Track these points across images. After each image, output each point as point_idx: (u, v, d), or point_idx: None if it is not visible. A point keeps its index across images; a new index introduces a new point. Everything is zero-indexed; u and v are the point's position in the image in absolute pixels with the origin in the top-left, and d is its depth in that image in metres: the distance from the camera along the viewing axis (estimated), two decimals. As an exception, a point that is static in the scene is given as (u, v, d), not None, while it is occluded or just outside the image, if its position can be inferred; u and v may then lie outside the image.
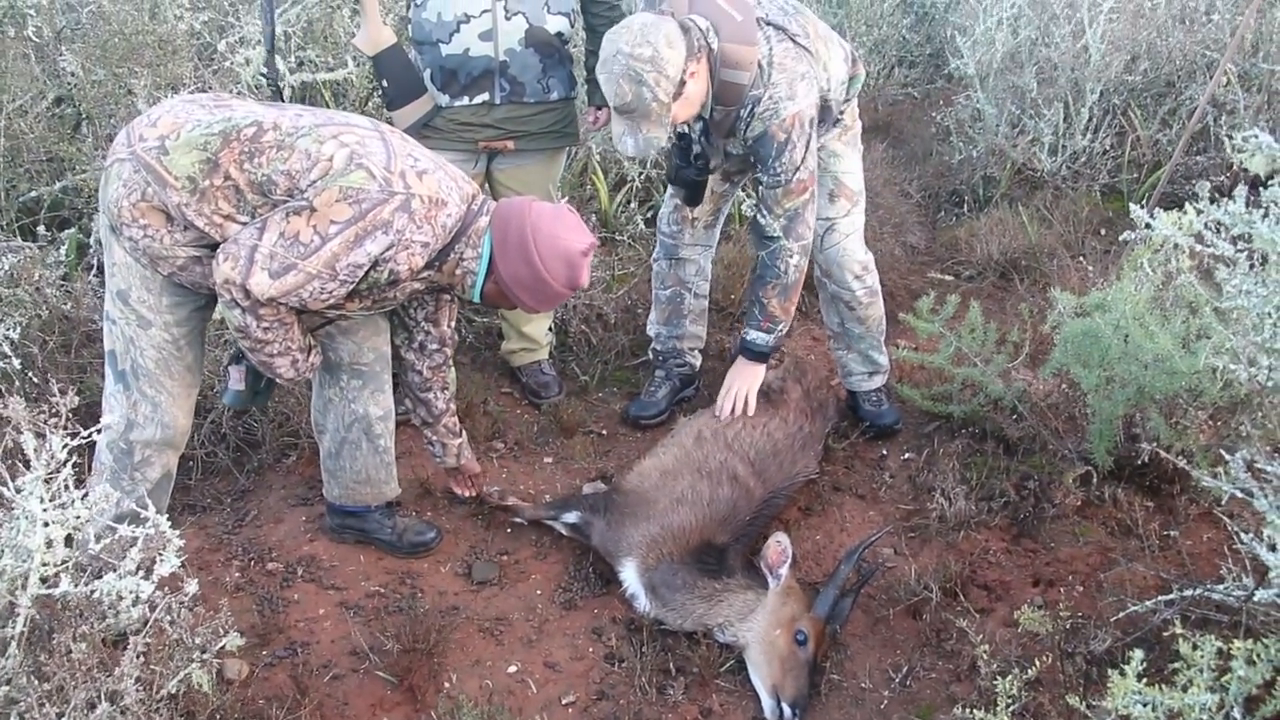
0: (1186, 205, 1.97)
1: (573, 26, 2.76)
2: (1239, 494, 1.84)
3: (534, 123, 2.76)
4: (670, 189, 2.98)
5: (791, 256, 2.60)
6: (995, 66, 4.49)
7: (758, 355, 2.71)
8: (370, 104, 3.86)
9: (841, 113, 2.76)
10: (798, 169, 2.51)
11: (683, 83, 2.34)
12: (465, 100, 2.68)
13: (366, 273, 1.94)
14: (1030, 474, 2.70)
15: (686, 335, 3.11)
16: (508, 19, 2.61)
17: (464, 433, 2.58)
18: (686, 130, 2.65)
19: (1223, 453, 1.94)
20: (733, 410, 2.70)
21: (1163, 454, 2.15)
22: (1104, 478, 2.65)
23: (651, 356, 3.18)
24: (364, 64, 3.86)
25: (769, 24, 2.50)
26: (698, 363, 3.18)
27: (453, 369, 2.46)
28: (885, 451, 2.96)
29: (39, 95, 3.55)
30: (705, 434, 2.62)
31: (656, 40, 2.29)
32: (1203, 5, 4.78)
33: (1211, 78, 4.15)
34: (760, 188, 2.59)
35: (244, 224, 1.94)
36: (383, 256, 1.93)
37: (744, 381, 2.73)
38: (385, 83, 2.62)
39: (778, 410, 2.74)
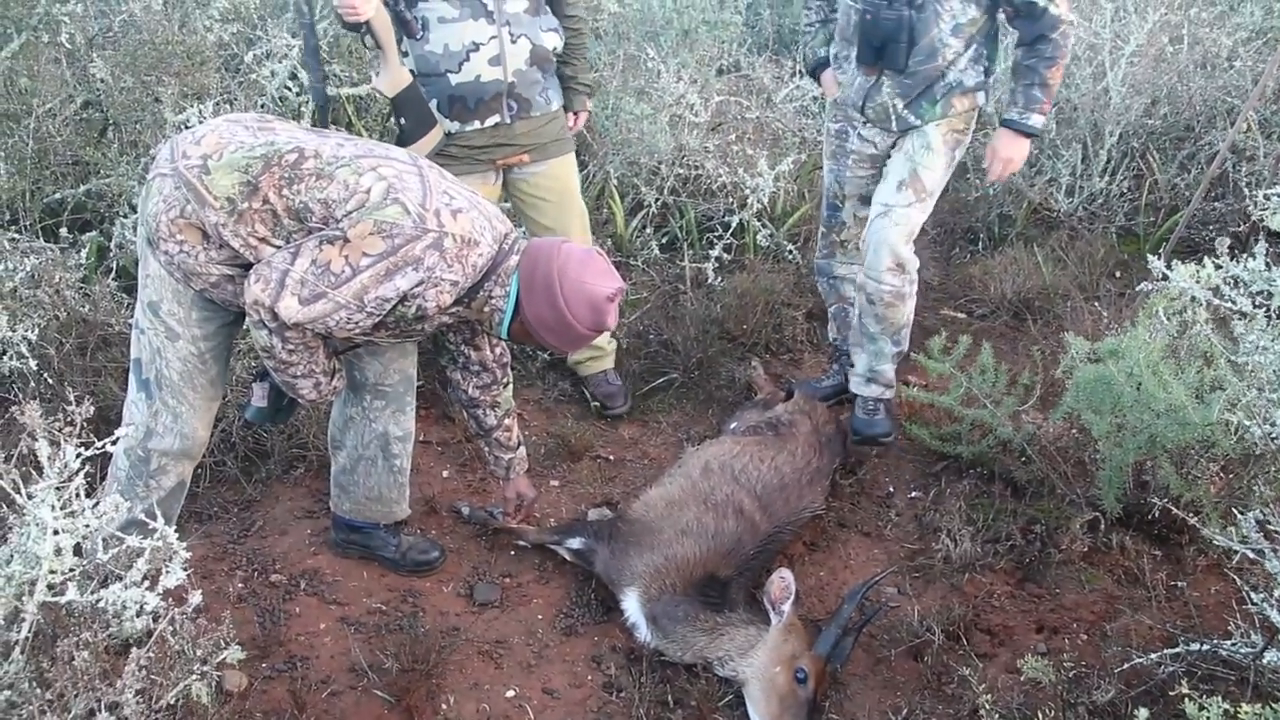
0: (1205, 259, 1.98)
1: (560, 39, 2.84)
2: (1250, 554, 1.83)
3: (543, 133, 2.86)
4: (822, 229, 3.13)
5: (1063, 17, 2.60)
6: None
7: (1032, 134, 2.75)
8: (391, 120, 3.89)
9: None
10: None
11: None
12: (477, 124, 2.74)
13: (394, 307, 1.96)
14: (1037, 518, 2.69)
15: (851, 349, 3.18)
16: (513, 42, 2.69)
17: (522, 449, 2.57)
18: None
19: (1234, 510, 1.93)
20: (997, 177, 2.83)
21: (1173, 509, 2.14)
22: (1112, 525, 2.64)
23: (831, 350, 3.38)
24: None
25: None
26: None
27: (509, 389, 2.46)
28: (892, 489, 2.96)
29: (68, 99, 3.59)
30: (713, 465, 2.62)
31: None
32: (1224, 51, 4.79)
33: (1232, 124, 4.16)
34: None
35: (278, 247, 1.96)
36: (411, 292, 1.94)
37: (1015, 152, 2.78)
38: (403, 120, 2.65)
39: (785, 444, 2.74)
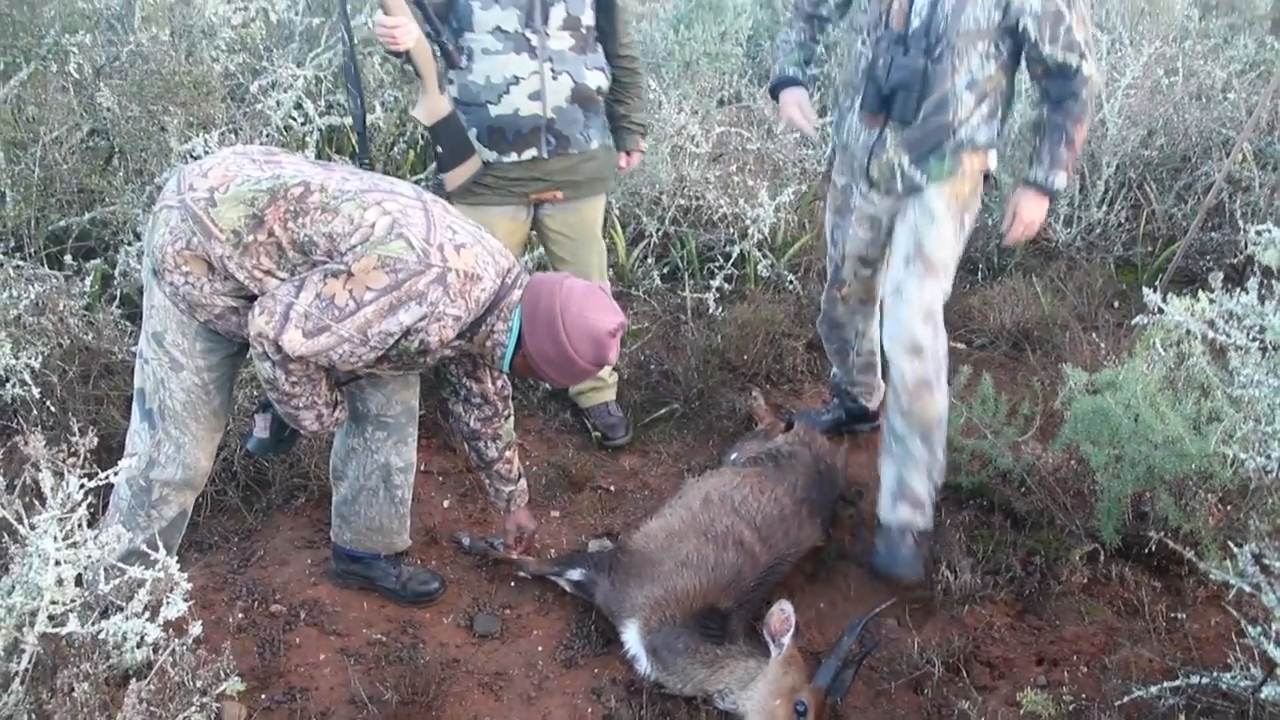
0: (1200, 293, 2.00)
1: (606, 79, 2.86)
2: (1247, 589, 1.83)
3: (578, 171, 2.86)
4: (829, 267, 2.99)
5: (1093, 77, 2.47)
6: (1012, 137, 4.54)
7: (1054, 196, 2.60)
8: (395, 149, 3.94)
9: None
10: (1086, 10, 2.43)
11: None
12: (514, 156, 2.76)
13: (397, 341, 1.97)
14: (1037, 549, 2.69)
15: (856, 382, 3.18)
16: (555, 78, 2.70)
17: (522, 481, 2.58)
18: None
19: (1231, 544, 1.93)
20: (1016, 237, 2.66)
21: (1170, 544, 2.14)
22: (1111, 556, 2.64)
23: (832, 385, 3.31)
24: (392, 110, 3.94)
25: None
26: (872, 406, 3.22)
27: (510, 421, 2.47)
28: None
29: (74, 127, 3.62)
30: (713, 497, 2.63)
31: None
32: (1219, 84, 4.84)
33: (1227, 155, 4.19)
34: (1059, 33, 2.40)
35: (283, 280, 1.98)
36: (415, 326, 1.96)
37: (1036, 214, 2.61)
38: (440, 149, 2.68)
39: (785, 476, 2.74)
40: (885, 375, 2.97)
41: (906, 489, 2.61)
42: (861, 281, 2.94)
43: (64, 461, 1.74)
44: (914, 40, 2.44)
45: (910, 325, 2.56)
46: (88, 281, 3.20)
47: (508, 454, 2.49)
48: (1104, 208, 4.39)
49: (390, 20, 2.46)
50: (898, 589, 2.58)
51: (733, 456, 3.00)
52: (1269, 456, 1.98)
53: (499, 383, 2.37)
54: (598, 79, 2.80)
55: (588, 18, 2.75)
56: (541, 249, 3.13)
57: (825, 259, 3.05)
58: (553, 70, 2.70)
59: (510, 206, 2.83)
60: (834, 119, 2.82)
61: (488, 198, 2.79)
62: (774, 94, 2.93)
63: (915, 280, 2.58)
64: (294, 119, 3.60)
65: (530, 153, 2.76)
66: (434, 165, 2.76)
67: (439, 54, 2.63)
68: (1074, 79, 2.44)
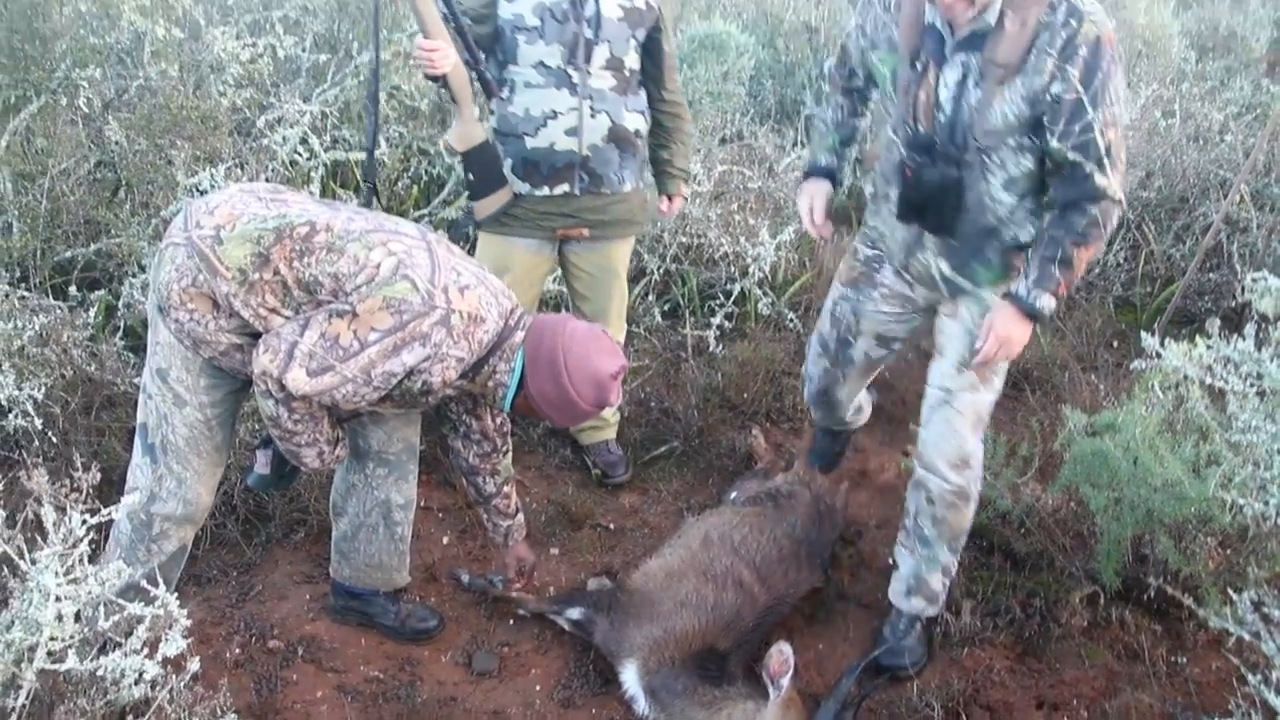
0: (1197, 338, 2.01)
1: (646, 122, 2.89)
2: (1247, 636, 1.83)
3: (609, 212, 2.88)
4: (816, 347, 2.72)
5: (1118, 210, 2.13)
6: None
7: (1037, 318, 2.23)
8: (399, 184, 3.97)
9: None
10: (1123, 100, 2.07)
11: None
12: (546, 190, 2.79)
13: (400, 381, 1.99)
14: (1037, 591, 2.69)
15: (849, 423, 3.02)
16: (593, 117, 2.73)
17: (520, 515, 2.58)
18: (933, 86, 2.13)
19: (1230, 590, 1.94)
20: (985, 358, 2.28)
21: (1169, 590, 2.14)
22: (1111, 598, 2.64)
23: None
24: (399, 147, 3.98)
25: None
26: (859, 421, 3.09)
27: (509, 456, 2.48)
28: (892, 560, 2.96)
29: (82, 160, 3.65)
30: (712, 537, 2.63)
31: None
32: (1216, 126, 4.90)
33: (1225, 197, 4.23)
34: (1074, 128, 2.02)
35: (287, 318, 1.99)
36: (418, 367, 1.97)
37: (1014, 333, 2.23)
38: (472, 176, 2.71)
39: (785, 516, 2.75)
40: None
41: (924, 585, 2.55)
42: (872, 362, 2.67)
43: (66, 497, 1.75)
44: (941, 144, 2.17)
45: (961, 436, 2.41)
46: (92, 313, 3.21)
47: (506, 489, 2.50)
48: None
49: (429, 44, 2.49)
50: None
51: (732, 495, 3.01)
52: (1267, 503, 1.98)
53: (498, 419, 2.38)
54: (636, 121, 2.83)
55: (631, 60, 2.78)
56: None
57: (818, 334, 2.72)
58: (591, 108, 2.72)
59: (535, 240, 2.85)
60: (870, 193, 2.55)
61: (515, 229, 2.82)
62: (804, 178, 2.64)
63: (969, 389, 2.39)
64: (299, 154, 3.64)
65: (562, 188, 2.79)
66: (439, 199, 2.79)
67: (476, 83, 2.66)
68: (1083, 186, 2.07)
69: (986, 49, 2.03)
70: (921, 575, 2.54)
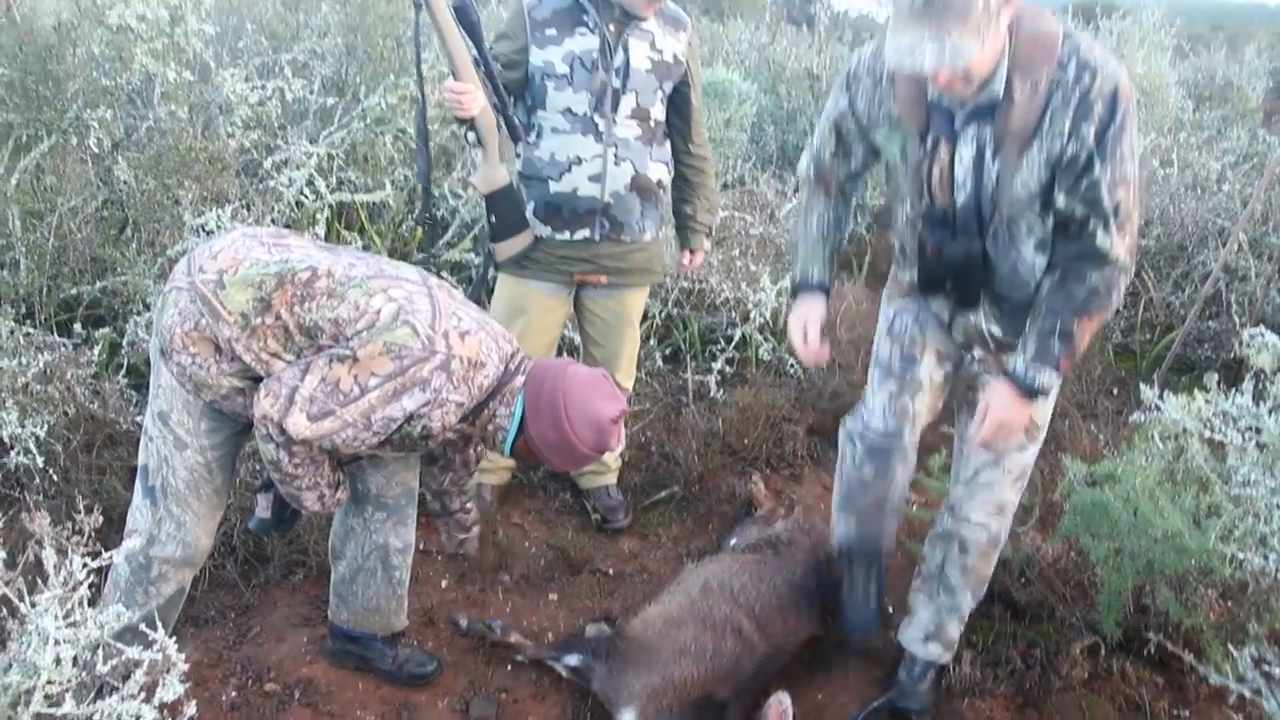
0: (1196, 391, 2.02)
1: (669, 174, 2.92)
2: (1247, 694, 1.83)
3: (628, 259, 2.91)
4: (878, 376, 2.37)
5: (1125, 278, 2.00)
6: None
7: (1037, 394, 2.08)
8: (404, 226, 4.00)
9: None
10: (1136, 156, 1.90)
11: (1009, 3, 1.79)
12: (567, 235, 2.82)
13: (400, 426, 2.00)
14: (1037, 641, 2.68)
15: (888, 536, 2.52)
16: (616, 164, 2.77)
17: (476, 529, 2.61)
18: (947, 163, 2.01)
19: (1230, 646, 1.93)
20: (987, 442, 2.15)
21: (1169, 646, 2.13)
22: (1112, 650, 2.63)
23: (839, 555, 2.56)
24: (403, 188, 4.02)
25: None
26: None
27: (474, 478, 2.52)
28: (891, 609, 2.95)
29: (90, 198, 3.68)
30: (712, 584, 2.62)
31: None
32: (1213, 175, 4.95)
33: (1223, 245, 4.27)
34: (1082, 184, 1.90)
35: (289, 363, 2.01)
36: (418, 412, 1.98)
37: (1013, 414, 2.09)
38: (493, 218, 2.75)
39: (785, 563, 2.74)
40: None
41: (943, 632, 2.51)
42: (936, 389, 2.34)
43: (68, 539, 1.75)
44: (962, 220, 2.05)
45: (1003, 489, 2.33)
46: (96, 350, 3.23)
47: (469, 505, 2.55)
48: (1102, 295, 4.44)
49: (459, 87, 2.53)
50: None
51: (732, 542, 3.01)
52: (1267, 558, 1.98)
53: (476, 449, 2.41)
54: (660, 172, 2.86)
55: (658, 111, 2.82)
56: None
57: (875, 364, 2.40)
58: (616, 156, 2.76)
59: (552, 284, 2.88)
60: (896, 248, 2.36)
61: (533, 271, 2.85)
62: (794, 294, 2.40)
63: (1018, 449, 2.28)
64: (305, 196, 3.67)
65: (583, 233, 2.82)
66: (437, 241, 2.81)
67: (503, 127, 2.69)
68: (1086, 244, 1.94)
69: (998, 119, 1.91)
70: (942, 623, 2.50)
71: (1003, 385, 2.08)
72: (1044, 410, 2.26)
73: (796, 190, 5.00)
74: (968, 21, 1.73)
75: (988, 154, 1.96)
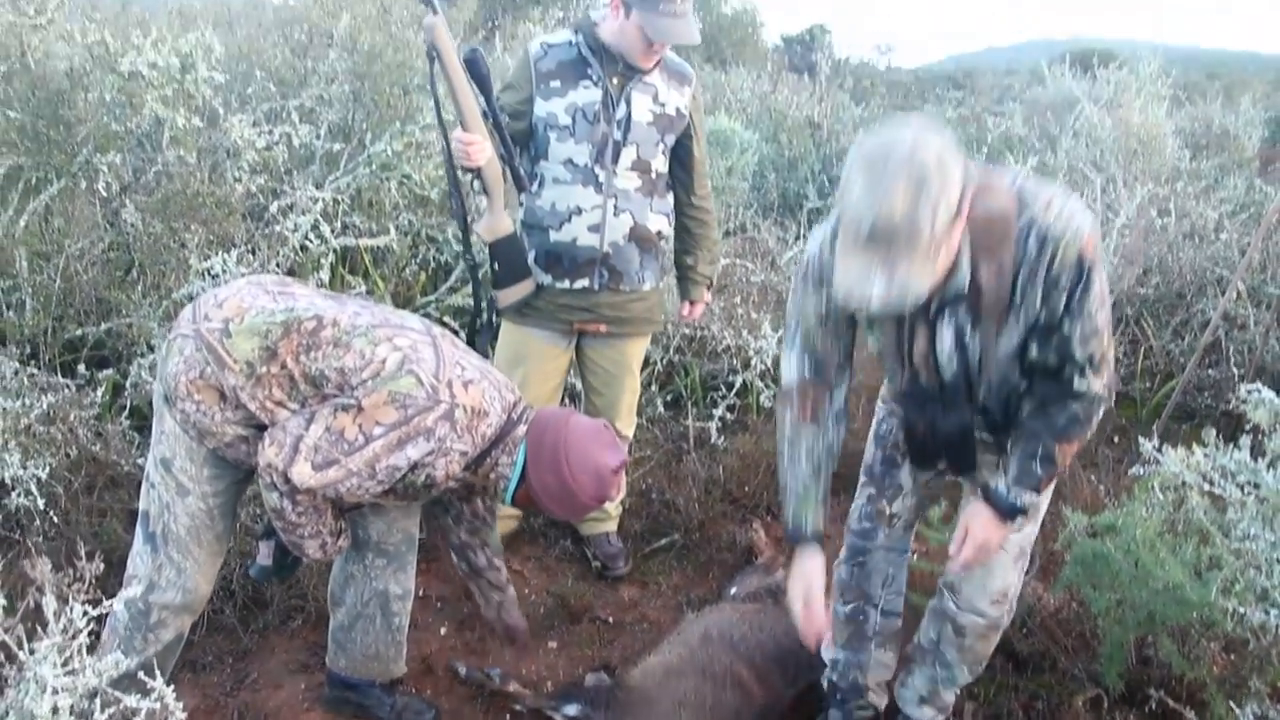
0: (1194, 446, 2.03)
1: (670, 225, 2.95)
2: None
3: (627, 309, 2.94)
4: (862, 480, 2.36)
5: (1102, 405, 1.96)
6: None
7: (1019, 515, 2.06)
8: (406, 270, 4.03)
9: None
10: (1106, 301, 1.89)
11: (958, 215, 1.70)
12: (567, 284, 2.85)
13: (404, 475, 2.01)
14: (1039, 693, 2.66)
15: (871, 665, 2.47)
16: (616, 215, 2.81)
17: (511, 589, 2.57)
18: (928, 346, 1.99)
19: (1232, 704, 1.92)
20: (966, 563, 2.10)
21: (1170, 702, 2.12)
22: (1115, 702, 2.61)
23: (825, 689, 2.51)
24: (406, 233, 4.06)
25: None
26: (882, 704, 2.54)
27: (496, 531, 2.50)
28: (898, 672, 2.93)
29: (97, 239, 3.71)
30: (712, 634, 2.61)
31: (942, 145, 1.68)
32: (1211, 224, 4.99)
33: (1222, 293, 4.29)
34: (1056, 342, 1.91)
35: (293, 411, 2.02)
36: (422, 461, 1.99)
37: (996, 535, 2.07)
38: (496, 266, 2.78)
39: (785, 613, 2.72)
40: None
41: (937, 699, 2.47)
42: (919, 491, 2.30)
43: (69, 586, 1.75)
44: (951, 393, 2.03)
45: (1005, 571, 2.25)
46: (99, 392, 3.24)
47: (496, 561, 2.51)
48: (1102, 343, 4.46)
49: (467, 137, 2.57)
50: None
51: (732, 591, 3.00)
52: (1268, 612, 1.98)
53: (488, 500, 2.41)
54: (660, 223, 2.89)
55: (659, 164, 2.85)
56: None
57: (863, 462, 2.37)
58: (615, 207, 2.80)
59: (552, 332, 2.91)
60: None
61: (534, 319, 2.88)
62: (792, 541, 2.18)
63: (1018, 529, 2.21)
64: (310, 241, 3.71)
65: (582, 283, 2.85)
66: (446, 286, 2.83)
67: (509, 177, 2.73)
68: (1064, 387, 1.95)
69: (970, 301, 1.87)
70: (938, 691, 2.46)
71: (983, 508, 2.06)
72: (1048, 497, 2.23)
73: (797, 238, 5.04)
74: (916, 250, 1.65)
75: (967, 333, 1.93)
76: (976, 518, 2.06)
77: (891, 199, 1.61)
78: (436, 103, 2.68)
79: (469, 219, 2.76)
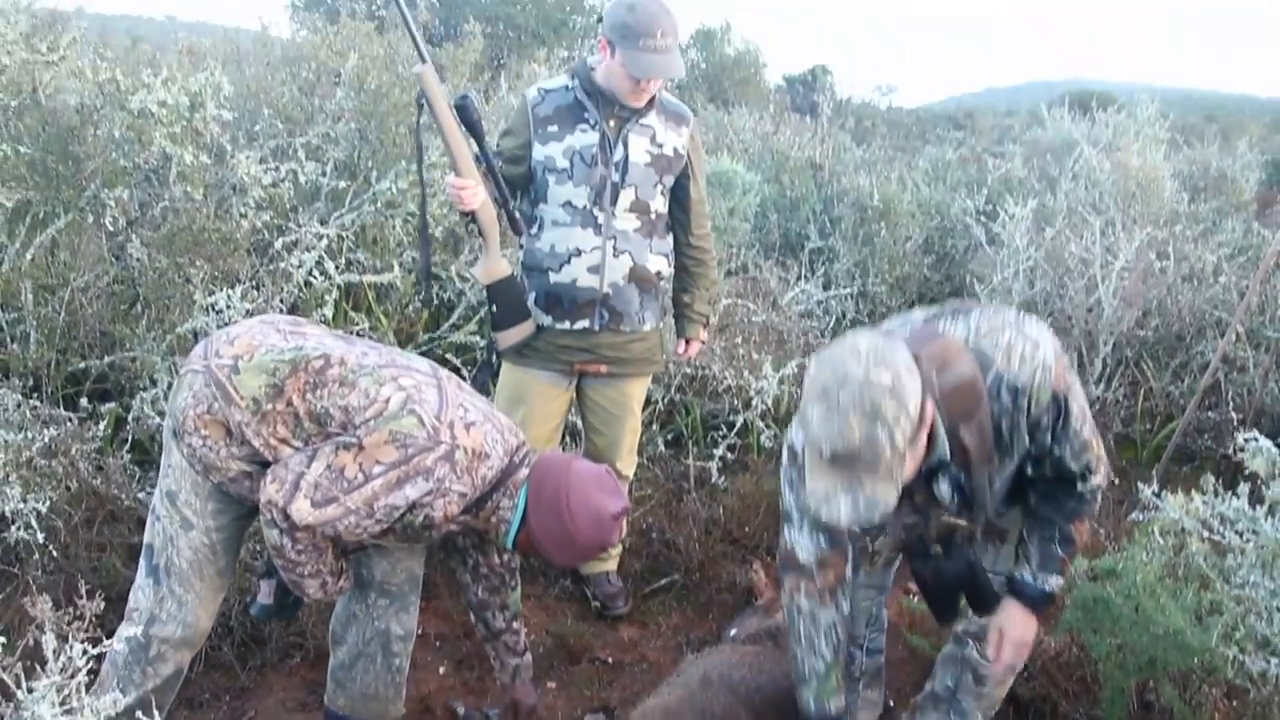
0: (1193, 493, 2.04)
1: (670, 266, 2.97)
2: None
3: (627, 350, 2.95)
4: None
5: (1101, 486, 2.04)
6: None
7: (1050, 601, 2.10)
8: (410, 308, 4.05)
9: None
10: (1086, 414, 1.95)
11: (921, 422, 1.74)
12: (566, 325, 2.88)
13: (402, 515, 2.01)
14: (1041, 739, 2.65)
15: (860, 704, 2.47)
16: (615, 256, 2.83)
17: (528, 655, 2.54)
18: (928, 501, 2.04)
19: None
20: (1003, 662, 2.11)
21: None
22: (1117, 749, 2.59)
23: None
24: (410, 270, 4.08)
25: (934, 318, 1.97)
26: None
27: (517, 591, 2.47)
28: (892, 702, 2.91)
29: (102, 273, 3.73)
30: (711, 676, 2.59)
31: (896, 364, 1.69)
32: (1209, 267, 5.02)
33: (1221, 335, 4.32)
34: (1049, 464, 1.99)
35: (297, 449, 2.03)
36: (420, 501, 2.00)
37: (1031, 631, 2.11)
38: (495, 308, 2.81)
39: (785, 655, 2.71)
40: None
41: None
42: (901, 528, 2.25)
43: (69, 624, 1.75)
44: (955, 543, 2.09)
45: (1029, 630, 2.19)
46: (101, 425, 3.24)
47: (515, 624, 2.49)
48: (1102, 385, 4.48)
49: (459, 182, 2.62)
50: None
51: (732, 632, 2.98)
52: (1268, 660, 1.97)
53: (505, 555, 2.39)
54: (659, 264, 2.91)
55: (658, 204, 2.88)
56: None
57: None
58: (614, 248, 2.82)
59: (553, 373, 2.92)
60: None
61: (534, 360, 2.90)
62: None
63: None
64: (314, 277, 3.73)
65: (582, 323, 2.87)
66: (449, 323, 2.85)
67: (504, 220, 2.76)
68: (1069, 486, 2.02)
69: (959, 460, 1.88)
70: None
71: (1014, 605, 2.08)
72: None
73: (799, 278, 5.06)
74: (878, 469, 1.68)
75: (962, 480, 1.96)
76: (1010, 617, 2.07)
77: (849, 431, 1.65)
78: (418, 150, 2.73)
79: (432, 262, 2.77)
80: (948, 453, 1.83)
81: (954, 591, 2.10)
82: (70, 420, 3.16)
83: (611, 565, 3.24)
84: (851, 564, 2.11)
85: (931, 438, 1.79)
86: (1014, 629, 2.09)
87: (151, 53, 5.46)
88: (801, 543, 2.04)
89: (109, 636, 1.78)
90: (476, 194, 2.63)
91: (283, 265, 3.74)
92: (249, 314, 3.24)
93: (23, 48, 3.51)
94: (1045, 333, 1.89)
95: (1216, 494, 1.99)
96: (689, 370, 4.11)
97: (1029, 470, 1.97)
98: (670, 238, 2.96)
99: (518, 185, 2.82)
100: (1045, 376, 1.83)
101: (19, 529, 2.77)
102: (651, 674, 2.93)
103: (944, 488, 1.97)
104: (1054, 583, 2.05)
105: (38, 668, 1.69)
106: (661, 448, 3.94)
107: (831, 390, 1.67)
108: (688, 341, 3.14)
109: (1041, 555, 2.04)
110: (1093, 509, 2.03)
